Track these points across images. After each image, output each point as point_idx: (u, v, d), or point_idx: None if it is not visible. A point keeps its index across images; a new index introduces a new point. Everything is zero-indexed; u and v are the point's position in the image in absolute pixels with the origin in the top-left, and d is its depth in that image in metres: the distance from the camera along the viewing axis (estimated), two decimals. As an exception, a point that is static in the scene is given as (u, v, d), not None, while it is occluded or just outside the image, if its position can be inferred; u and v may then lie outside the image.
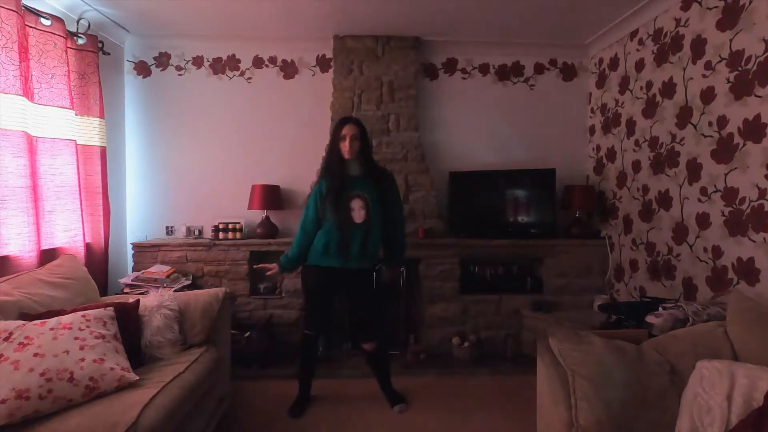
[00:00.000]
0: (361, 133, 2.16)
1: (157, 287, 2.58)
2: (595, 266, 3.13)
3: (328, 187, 2.17)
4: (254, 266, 2.58)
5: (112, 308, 1.74)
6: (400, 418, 2.25)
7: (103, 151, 2.77)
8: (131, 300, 1.94)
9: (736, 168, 2.06)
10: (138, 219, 3.25)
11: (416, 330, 3.08)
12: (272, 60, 3.30)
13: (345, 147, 2.13)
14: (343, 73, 3.16)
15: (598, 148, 3.30)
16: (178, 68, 3.27)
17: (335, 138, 2.18)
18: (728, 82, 2.09)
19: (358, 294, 2.28)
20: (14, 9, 2.04)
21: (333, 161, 2.19)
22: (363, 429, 2.15)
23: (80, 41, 2.57)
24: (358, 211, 2.14)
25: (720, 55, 2.15)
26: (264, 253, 3.06)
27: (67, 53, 2.44)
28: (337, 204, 2.13)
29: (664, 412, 1.36)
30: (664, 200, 2.55)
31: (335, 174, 2.17)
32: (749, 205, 1.99)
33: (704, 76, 2.25)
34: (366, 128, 2.21)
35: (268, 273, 2.35)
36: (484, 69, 3.39)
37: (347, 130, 2.13)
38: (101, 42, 2.79)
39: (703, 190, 2.25)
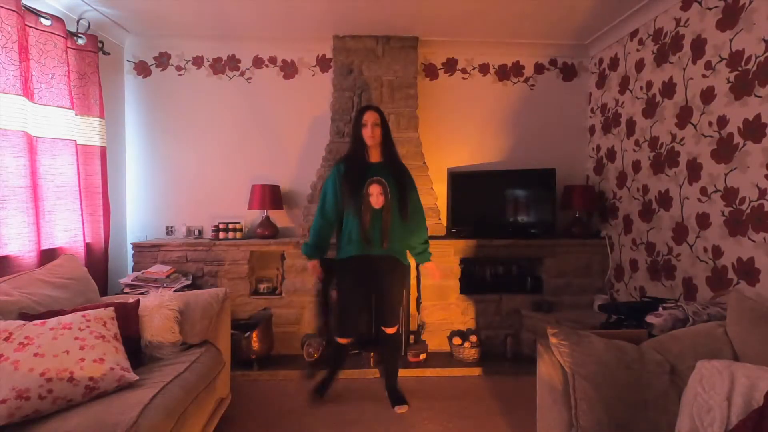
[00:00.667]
0: (382, 120, 2.25)
1: (157, 287, 2.58)
2: (595, 266, 3.13)
3: (346, 171, 2.23)
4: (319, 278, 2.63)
5: (112, 308, 1.74)
6: (399, 418, 2.25)
7: (103, 151, 2.77)
8: (131, 300, 1.94)
9: (736, 168, 2.06)
10: (138, 219, 3.25)
11: (416, 330, 3.08)
12: (272, 60, 3.30)
13: (367, 133, 2.21)
14: (343, 73, 3.16)
15: (598, 148, 3.30)
16: (178, 68, 3.26)
17: (356, 125, 2.25)
18: (728, 82, 2.09)
19: (383, 280, 2.29)
20: (14, 9, 2.04)
21: (353, 147, 2.28)
22: (363, 429, 2.15)
23: (80, 41, 2.57)
24: (376, 197, 2.19)
25: (720, 55, 2.15)
26: (264, 253, 3.07)
27: (67, 53, 2.44)
28: (355, 190, 2.19)
29: (664, 412, 1.36)
30: (664, 200, 2.55)
31: (355, 159, 2.25)
32: (749, 205, 1.99)
33: (704, 76, 2.25)
34: (385, 117, 2.29)
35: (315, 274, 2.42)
36: (484, 69, 3.40)
37: (368, 117, 2.22)
38: (101, 42, 2.79)
39: (703, 190, 2.25)
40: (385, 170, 2.25)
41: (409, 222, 2.29)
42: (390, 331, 2.35)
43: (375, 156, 2.29)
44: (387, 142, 2.29)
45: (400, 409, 2.31)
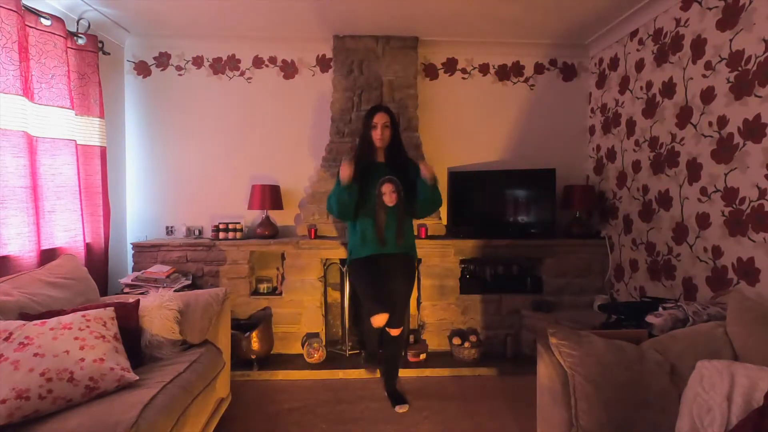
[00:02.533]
0: (392, 121, 2.26)
1: (157, 287, 2.58)
2: (595, 266, 3.13)
3: (359, 173, 2.22)
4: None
5: (112, 308, 1.74)
6: (400, 417, 2.25)
7: (103, 151, 2.77)
8: (131, 300, 1.94)
9: (736, 168, 2.06)
10: (138, 219, 3.25)
11: (416, 330, 3.08)
12: (272, 60, 3.30)
13: (376, 135, 2.23)
14: (343, 73, 3.16)
15: (598, 148, 3.30)
16: (178, 68, 3.26)
17: (366, 126, 2.26)
18: (728, 82, 2.09)
19: (395, 280, 2.31)
20: (14, 9, 2.04)
21: (364, 149, 2.30)
22: (363, 428, 2.15)
23: (80, 41, 2.57)
24: (389, 195, 2.22)
25: (720, 55, 2.15)
26: (264, 253, 3.07)
27: (67, 53, 2.44)
28: (367, 189, 2.21)
29: (664, 412, 1.36)
30: (664, 200, 2.55)
31: (366, 162, 2.26)
32: (749, 205, 1.99)
33: (704, 76, 2.25)
34: (395, 116, 2.30)
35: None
36: (484, 69, 3.40)
37: (378, 119, 2.22)
38: (101, 42, 2.79)
39: (703, 190, 2.25)
40: (395, 169, 2.28)
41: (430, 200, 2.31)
42: (395, 332, 2.35)
43: (383, 156, 2.33)
44: (396, 143, 2.32)
45: (401, 409, 2.31)
